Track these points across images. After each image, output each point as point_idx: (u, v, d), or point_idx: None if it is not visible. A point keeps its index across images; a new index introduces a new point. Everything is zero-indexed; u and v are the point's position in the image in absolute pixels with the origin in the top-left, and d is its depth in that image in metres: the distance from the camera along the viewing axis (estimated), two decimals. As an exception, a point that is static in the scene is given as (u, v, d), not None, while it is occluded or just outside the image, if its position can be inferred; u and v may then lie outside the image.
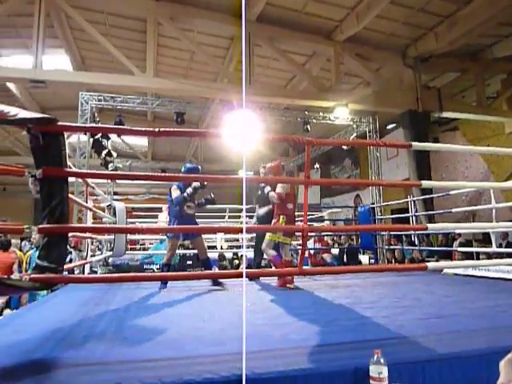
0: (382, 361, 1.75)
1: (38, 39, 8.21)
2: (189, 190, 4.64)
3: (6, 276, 2.20)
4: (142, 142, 17.98)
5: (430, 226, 3.52)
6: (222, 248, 10.34)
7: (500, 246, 8.25)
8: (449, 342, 2.15)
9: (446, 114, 10.54)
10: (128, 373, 1.74)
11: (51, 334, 2.46)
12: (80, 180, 6.25)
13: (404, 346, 2.11)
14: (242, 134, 5.12)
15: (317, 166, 16.07)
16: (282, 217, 4.54)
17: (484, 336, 2.27)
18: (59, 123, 2.16)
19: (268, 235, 4.67)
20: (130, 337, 2.39)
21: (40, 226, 2.06)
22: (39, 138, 2.07)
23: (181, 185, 4.77)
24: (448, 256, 8.13)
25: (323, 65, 10.86)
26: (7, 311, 4.55)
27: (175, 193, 4.71)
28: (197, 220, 5.14)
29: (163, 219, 10.52)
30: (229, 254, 8.89)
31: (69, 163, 2.36)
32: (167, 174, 3.81)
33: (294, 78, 11.81)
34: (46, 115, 2.09)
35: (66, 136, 2.23)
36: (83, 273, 6.07)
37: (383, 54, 10.33)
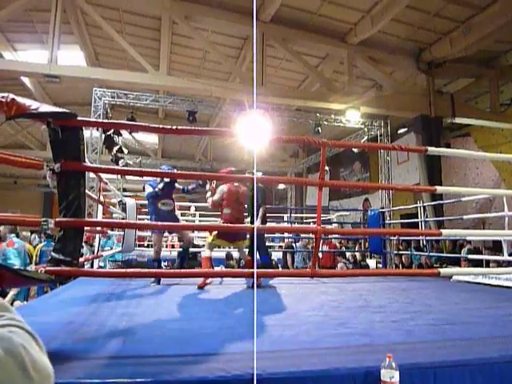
0: (393, 365, 1.74)
1: (53, 35, 8.31)
2: (160, 185, 4.92)
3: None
4: (152, 139, 18.07)
5: (444, 231, 3.49)
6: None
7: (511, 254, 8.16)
8: (461, 349, 2.14)
9: (458, 120, 10.46)
10: (140, 367, 1.76)
11: (63, 326, 2.49)
12: (92, 175, 6.29)
13: (415, 351, 2.10)
14: (254, 134, 5.13)
15: (327, 168, 16.02)
16: (214, 233, 4.66)
17: (496, 344, 2.25)
18: (78, 118, 2.19)
19: (209, 237, 4.80)
20: (141, 332, 2.41)
21: (57, 219, 2.08)
22: (58, 132, 2.10)
23: (154, 183, 5.06)
24: (455, 263, 8.05)
25: (336, 67, 10.84)
26: (17, 303, 4.60)
27: (147, 190, 5.05)
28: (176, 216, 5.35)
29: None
30: (236, 254, 8.89)
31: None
32: (182, 172, 3.82)
33: (307, 79, 11.80)
34: (66, 110, 2.12)
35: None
36: (92, 267, 6.12)
37: (397, 57, 10.28)
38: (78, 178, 2.15)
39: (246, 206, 5.02)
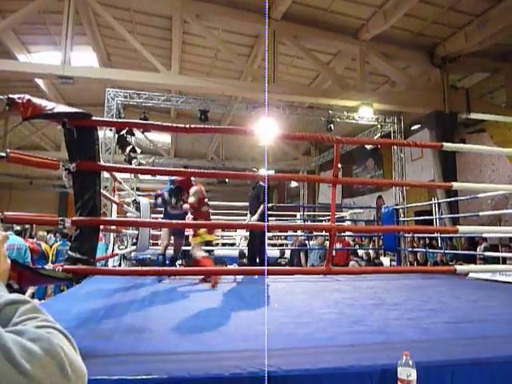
0: (410, 363, 1.72)
1: (66, 36, 8.42)
2: (158, 200, 5.67)
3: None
4: (164, 138, 18.19)
5: (460, 228, 3.44)
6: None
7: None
8: (478, 347, 2.11)
9: (473, 116, 10.28)
10: (156, 364, 1.77)
11: (81, 323, 2.52)
12: (106, 175, 6.36)
13: (432, 349, 2.07)
14: (266, 131, 5.14)
15: (340, 165, 15.92)
16: (202, 231, 4.92)
17: (514, 342, 2.21)
18: (93, 118, 2.21)
19: (195, 239, 4.97)
20: (156, 329, 2.43)
21: (74, 218, 2.11)
22: (74, 132, 2.12)
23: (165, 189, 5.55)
24: (471, 261, 7.94)
25: (348, 63, 10.75)
26: (35, 301, 4.68)
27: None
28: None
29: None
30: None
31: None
32: (194, 170, 3.83)
33: (318, 76, 11.74)
34: (81, 110, 2.14)
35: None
36: (106, 266, 6.19)
37: (410, 53, 10.15)
38: (93, 178, 2.18)
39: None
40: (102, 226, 3.28)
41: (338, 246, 8.72)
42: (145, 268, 3.10)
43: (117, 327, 2.46)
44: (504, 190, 5.97)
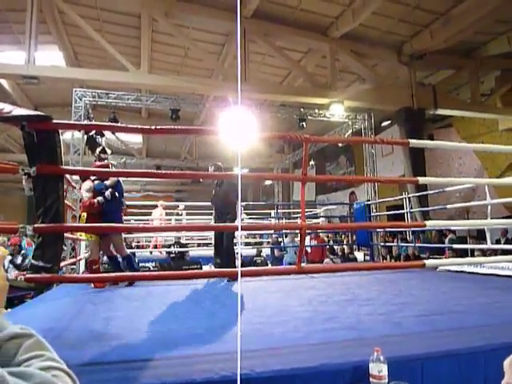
0: (381, 358, 1.74)
1: (30, 35, 8.12)
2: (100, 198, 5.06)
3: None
4: (136, 139, 17.88)
5: (428, 222, 3.52)
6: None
7: (498, 242, 8.31)
8: (447, 339, 2.15)
9: (440, 111, 10.57)
10: (125, 373, 1.72)
11: (44, 333, 2.43)
12: (75, 177, 6.18)
13: (402, 344, 2.10)
14: (238, 131, 5.08)
15: (312, 162, 16.08)
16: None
17: (482, 333, 2.26)
18: (54, 121, 2.13)
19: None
20: (126, 336, 2.36)
21: (35, 226, 2.02)
22: (33, 136, 2.04)
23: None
24: (442, 253, 8.17)
25: (319, 61, 10.85)
26: (1, 310, 4.49)
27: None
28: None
29: (157, 216, 10.49)
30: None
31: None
32: (162, 172, 3.75)
33: (290, 74, 11.79)
34: (41, 113, 2.06)
35: (60, 133, 2.20)
36: (78, 271, 6.03)
37: (379, 50, 10.33)
38: (55, 182, 2.10)
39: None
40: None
41: (314, 242, 8.78)
42: (111, 274, 3.02)
43: (82, 335, 2.37)
44: (466, 183, 6.16)
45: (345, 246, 10.02)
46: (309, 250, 8.56)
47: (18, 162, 2.44)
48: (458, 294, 3.79)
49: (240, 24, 8.92)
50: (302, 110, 11.30)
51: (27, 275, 1.96)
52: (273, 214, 11.44)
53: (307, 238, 8.62)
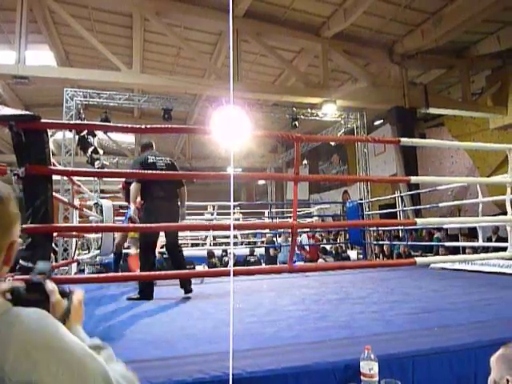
0: (372, 357, 1.74)
1: (20, 34, 8.06)
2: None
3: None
4: (129, 138, 17.79)
5: (418, 220, 3.55)
6: (211, 245, 10.29)
7: (489, 239, 8.37)
8: (438, 337, 2.16)
9: (432, 110, 10.64)
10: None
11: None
12: (66, 178, 6.13)
13: (394, 342, 2.11)
14: (231, 130, 5.07)
15: (305, 162, 16.11)
16: None
17: (472, 330, 2.28)
18: (42, 120, 2.11)
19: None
20: (118, 337, 2.35)
21: (24, 226, 2.01)
22: (22, 136, 2.02)
23: None
24: (432, 251, 8.22)
25: (311, 61, 10.87)
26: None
27: None
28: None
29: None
30: (218, 251, 8.84)
31: (53, 161, 2.31)
32: (156, 172, 3.71)
33: (282, 74, 11.81)
34: (29, 112, 2.04)
35: (49, 133, 2.18)
36: (70, 272, 5.99)
37: (370, 50, 10.38)
38: (44, 182, 2.08)
39: None
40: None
41: (311, 241, 8.79)
42: (101, 275, 3.00)
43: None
44: (457, 182, 6.21)
45: (338, 245, 10.05)
46: (307, 248, 8.59)
47: (8, 163, 2.42)
48: (450, 291, 3.81)
49: (232, 23, 8.92)
50: (294, 109, 11.30)
51: (15, 277, 1.93)
52: (266, 214, 11.44)
53: (305, 237, 8.66)
